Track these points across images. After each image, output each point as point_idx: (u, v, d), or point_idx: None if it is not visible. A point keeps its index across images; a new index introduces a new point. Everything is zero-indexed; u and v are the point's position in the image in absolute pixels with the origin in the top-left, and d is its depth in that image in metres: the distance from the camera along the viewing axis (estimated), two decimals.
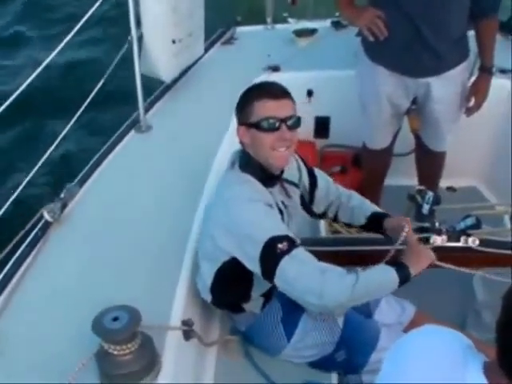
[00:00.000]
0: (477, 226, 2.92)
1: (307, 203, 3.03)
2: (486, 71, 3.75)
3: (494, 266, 2.88)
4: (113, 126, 3.96)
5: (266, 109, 2.55)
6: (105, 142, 3.73)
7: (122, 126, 3.90)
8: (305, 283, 2.42)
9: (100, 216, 3.16)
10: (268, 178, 2.67)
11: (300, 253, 2.46)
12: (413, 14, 3.41)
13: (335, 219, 3.13)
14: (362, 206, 3.06)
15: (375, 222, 2.97)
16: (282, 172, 2.75)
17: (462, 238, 2.81)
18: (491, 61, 3.74)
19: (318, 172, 3.08)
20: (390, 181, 4.39)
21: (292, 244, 2.45)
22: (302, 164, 3.00)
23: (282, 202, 2.76)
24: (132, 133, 3.83)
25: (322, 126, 4.71)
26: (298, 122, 2.61)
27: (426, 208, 3.13)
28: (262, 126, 2.55)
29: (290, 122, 2.57)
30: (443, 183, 4.43)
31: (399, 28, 3.48)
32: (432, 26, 3.44)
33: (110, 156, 3.60)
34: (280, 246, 2.42)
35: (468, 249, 2.82)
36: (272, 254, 2.42)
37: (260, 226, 2.48)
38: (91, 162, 3.54)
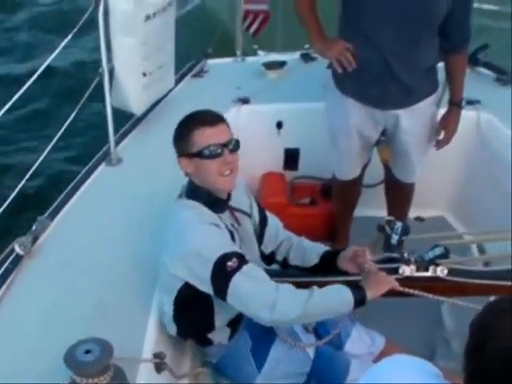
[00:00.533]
0: (445, 255, 2.94)
1: (258, 238, 3.03)
2: (455, 105, 3.78)
3: (462, 294, 2.91)
4: (84, 158, 3.97)
5: (206, 137, 2.60)
6: (76, 175, 3.73)
7: (93, 158, 3.90)
8: (258, 299, 2.46)
9: (71, 249, 3.16)
10: (215, 202, 2.70)
11: (250, 269, 2.50)
12: (382, 47, 3.43)
13: (284, 263, 3.09)
14: (315, 246, 3.07)
15: (329, 259, 2.98)
16: (229, 196, 2.78)
17: (431, 268, 2.85)
18: (461, 95, 3.78)
19: (268, 213, 3.12)
20: (359, 212, 4.41)
21: (242, 260, 2.49)
22: (253, 202, 3.04)
23: (232, 225, 2.78)
24: (103, 165, 3.84)
25: (291, 157, 4.74)
26: (237, 145, 2.68)
27: (394, 238, 3.15)
28: (205, 154, 2.60)
29: (230, 146, 2.63)
30: (412, 213, 4.46)
31: (369, 60, 3.50)
32: (401, 59, 3.47)
33: (81, 189, 3.60)
34: (230, 263, 2.46)
35: (437, 278, 2.85)
36: (222, 272, 2.46)
37: (208, 245, 2.51)
38: (62, 195, 3.54)
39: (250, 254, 2.76)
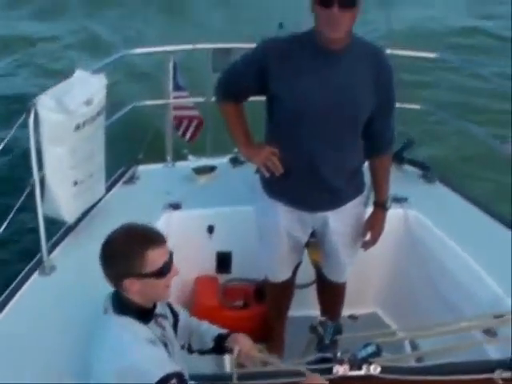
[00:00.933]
0: (377, 353, 2.98)
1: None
2: (380, 206, 3.86)
3: None
4: (16, 267, 3.95)
5: (161, 256, 2.60)
6: (8, 284, 3.69)
7: (26, 267, 3.88)
8: None
9: (4, 359, 3.10)
10: (145, 314, 2.69)
11: None
12: (307, 151, 3.51)
13: (189, 348, 3.11)
14: (210, 330, 3.10)
15: (221, 342, 3.02)
16: (155, 305, 2.77)
17: (364, 367, 2.88)
18: (385, 196, 3.85)
19: (176, 307, 3.11)
20: (293, 312, 4.42)
21: (181, 380, 2.48)
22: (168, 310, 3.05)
23: (162, 335, 2.77)
24: (36, 274, 3.81)
25: (223, 260, 4.77)
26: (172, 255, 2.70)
27: (327, 338, 3.19)
28: (163, 272, 2.60)
29: (172, 256, 2.67)
30: (345, 311, 4.48)
31: (295, 165, 3.57)
32: (326, 162, 3.55)
33: (15, 298, 3.56)
34: None
35: (370, 376, 2.88)
36: None
37: (148, 365, 2.47)
38: None
39: (175, 353, 2.79)
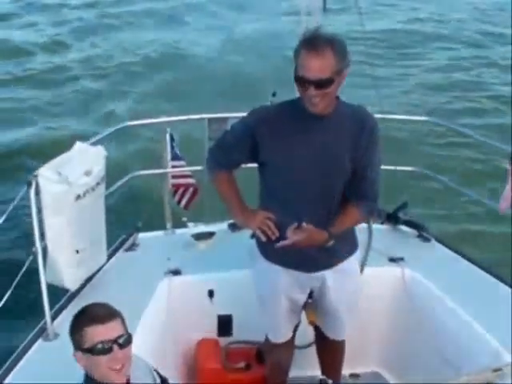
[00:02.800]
0: None
1: None
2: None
3: None
4: (21, 334, 4.00)
5: (96, 334, 2.68)
6: (13, 351, 3.75)
7: (30, 334, 3.94)
8: None
9: None
10: None
11: None
12: (302, 216, 3.53)
13: None
14: None
15: None
16: (128, 381, 2.81)
17: None
18: (334, 229, 3.60)
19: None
20: (294, 373, 4.43)
21: None
22: (157, 378, 3.09)
23: None
24: (40, 341, 3.87)
25: (224, 324, 4.81)
26: (129, 339, 2.76)
27: None
28: (95, 350, 2.67)
29: (120, 341, 2.71)
30: (346, 370, 4.53)
31: (288, 227, 3.57)
32: (318, 223, 3.56)
33: (19, 365, 3.62)
34: None
35: None
36: None
37: None
38: (1, 371, 3.54)
39: None
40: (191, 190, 5.59)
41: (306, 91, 3.34)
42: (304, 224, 3.39)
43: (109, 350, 2.67)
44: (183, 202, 5.62)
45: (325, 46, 3.28)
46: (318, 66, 3.28)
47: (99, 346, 2.66)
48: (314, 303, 4.00)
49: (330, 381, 3.30)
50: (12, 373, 3.55)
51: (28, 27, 20.00)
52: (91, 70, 16.33)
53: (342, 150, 3.54)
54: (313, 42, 3.31)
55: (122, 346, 2.70)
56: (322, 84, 3.30)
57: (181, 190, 5.57)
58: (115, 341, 2.68)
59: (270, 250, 3.78)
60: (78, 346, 2.72)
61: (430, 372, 4.27)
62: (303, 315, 4.13)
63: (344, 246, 3.82)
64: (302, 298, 3.95)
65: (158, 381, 3.06)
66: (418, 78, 15.76)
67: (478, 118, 12.86)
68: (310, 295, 3.97)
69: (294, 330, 4.17)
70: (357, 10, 5.64)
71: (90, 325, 2.69)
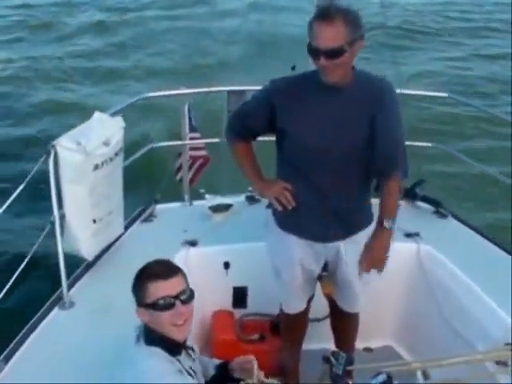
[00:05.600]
0: (388, 382, 3.04)
1: None
2: (379, 224, 3.80)
3: None
4: (37, 302, 4.06)
5: (159, 289, 2.72)
6: (29, 319, 3.81)
7: (46, 302, 4.00)
8: None
9: None
10: (173, 346, 2.79)
11: None
12: (316, 184, 3.61)
13: None
14: (211, 360, 3.24)
15: (223, 369, 3.14)
16: (186, 340, 2.87)
17: None
18: (385, 216, 3.79)
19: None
20: (308, 345, 4.46)
21: None
22: None
23: (191, 368, 2.87)
24: (56, 309, 3.93)
25: (239, 296, 4.86)
26: (191, 295, 2.81)
27: (339, 369, 3.25)
28: (158, 306, 2.71)
29: (183, 297, 2.75)
30: (360, 344, 4.55)
31: (305, 197, 3.67)
32: (335, 193, 3.63)
33: (35, 332, 3.67)
34: None
35: None
36: None
37: None
38: (16, 339, 3.60)
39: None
40: (197, 163, 5.61)
41: (318, 61, 3.35)
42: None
43: (171, 306, 2.72)
44: (187, 177, 5.60)
45: (336, 16, 3.28)
46: (328, 35, 3.30)
47: (161, 301, 2.71)
48: (329, 275, 4.02)
49: (343, 354, 3.30)
50: (28, 340, 3.61)
51: None
52: None
53: (360, 119, 3.55)
54: (324, 12, 3.33)
55: (184, 302, 2.74)
56: (332, 53, 3.31)
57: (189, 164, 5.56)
58: (177, 296, 2.73)
59: (286, 221, 3.83)
60: (140, 301, 2.77)
61: (443, 347, 4.29)
62: (318, 288, 4.16)
63: (359, 218, 3.85)
64: (316, 269, 3.97)
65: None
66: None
67: None
68: (325, 268, 3.98)
69: (308, 302, 4.20)
70: None
71: (153, 280, 2.73)
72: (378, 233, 3.83)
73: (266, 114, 3.62)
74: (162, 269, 2.79)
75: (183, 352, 2.88)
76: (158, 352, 2.74)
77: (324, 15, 3.32)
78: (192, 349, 3.00)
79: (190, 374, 2.82)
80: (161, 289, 2.72)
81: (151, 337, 2.78)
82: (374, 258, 3.87)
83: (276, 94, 3.59)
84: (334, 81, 3.43)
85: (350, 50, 3.34)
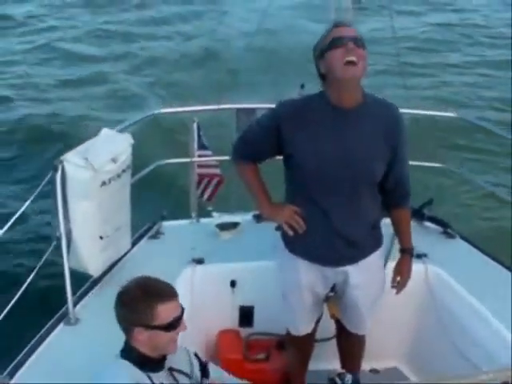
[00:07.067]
0: None
1: None
2: (406, 253, 3.92)
3: None
4: (43, 318, 4.04)
5: (171, 311, 2.77)
6: (34, 335, 3.79)
7: (52, 318, 3.98)
8: None
9: None
10: (148, 363, 2.81)
11: None
12: (326, 208, 3.57)
13: None
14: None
15: None
16: (164, 356, 2.88)
17: None
18: (410, 243, 3.93)
19: (211, 366, 3.22)
20: (314, 366, 4.44)
21: None
22: (193, 357, 3.14)
23: None
24: (61, 325, 3.91)
25: (246, 315, 4.83)
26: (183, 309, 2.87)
27: None
28: (171, 326, 2.76)
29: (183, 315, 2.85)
30: (366, 366, 4.53)
31: (316, 222, 3.63)
32: (347, 219, 3.60)
33: (40, 348, 3.66)
34: None
35: None
36: None
37: None
38: (21, 355, 3.59)
39: None
40: (215, 181, 5.60)
41: (342, 49, 3.34)
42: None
43: (178, 324, 2.78)
44: (206, 195, 5.61)
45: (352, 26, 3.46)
46: (351, 30, 3.42)
47: (174, 321, 2.76)
48: (336, 296, 3.99)
49: (349, 375, 3.28)
50: (33, 356, 3.59)
51: None
52: None
53: (371, 145, 3.54)
54: (341, 22, 3.51)
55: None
56: (359, 40, 3.36)
57: (205, 181, 5.56)
58: (182, 312, 2.81)
59: (295, 244, 3.79)
60: (142, 321, 2.75)
61: (449, 369, 4.25)
62: (326, 308, 4.13)
63: (369, 242, 3.82)
64: (324, 291, 3.94)
65: (196, 365, 3.11)
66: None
67: None
68: (333, 289, 3.95)
69: (316, 323, 4.17)
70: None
71: (164, 301, 2.76)
72: (406, 259, 3.94)
73: (273, 141, 3.60)
74: (168, 289, 2.82)
75: (165, 372, 2.89)
76: (125, 365, 2.78)
77: (342, 23, 3.49)
78: (183, 373, 2.99)
79: None
80: (172, 310, 2.77)
81: (128, 352, 2.83)
82: (403, 284, 3.97)
83: (283, 119, 3.56)
84: (354, 75, 3.38)
85: (366, 57, 3.40)
